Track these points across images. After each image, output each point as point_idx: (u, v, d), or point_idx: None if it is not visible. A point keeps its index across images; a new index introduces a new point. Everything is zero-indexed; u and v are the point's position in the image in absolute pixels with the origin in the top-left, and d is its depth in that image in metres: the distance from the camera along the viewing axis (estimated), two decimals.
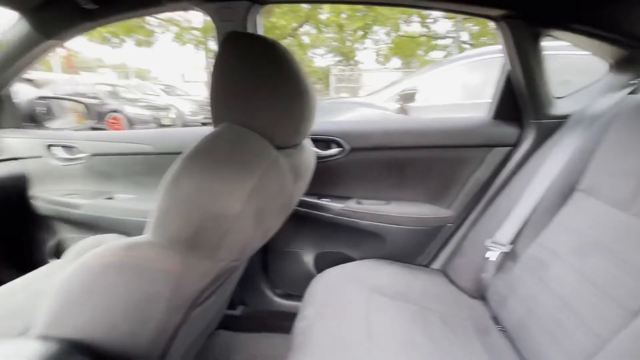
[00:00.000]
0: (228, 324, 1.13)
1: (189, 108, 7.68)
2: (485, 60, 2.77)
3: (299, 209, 1.06)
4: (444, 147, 1.00)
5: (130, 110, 6.75)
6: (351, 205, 1.06)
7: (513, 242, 0.82)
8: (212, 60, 0.53)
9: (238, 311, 1.18)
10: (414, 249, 1.07)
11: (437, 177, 1.03)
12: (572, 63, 1.26)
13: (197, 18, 10.34)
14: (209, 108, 0.55)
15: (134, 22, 9.49)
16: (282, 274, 1.18)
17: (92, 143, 1.16)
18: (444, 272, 1.01)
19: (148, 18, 9.38)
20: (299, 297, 0.93)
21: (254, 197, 0.48)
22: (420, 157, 1.02)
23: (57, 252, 1.25)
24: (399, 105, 2.95)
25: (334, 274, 0.94)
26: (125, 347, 0.42)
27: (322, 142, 1.05)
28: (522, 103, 0.91)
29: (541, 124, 0.90)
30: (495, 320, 0.80)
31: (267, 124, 0.53)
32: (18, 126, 1.20)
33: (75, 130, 1.35)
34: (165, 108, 7.32)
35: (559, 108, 0.90)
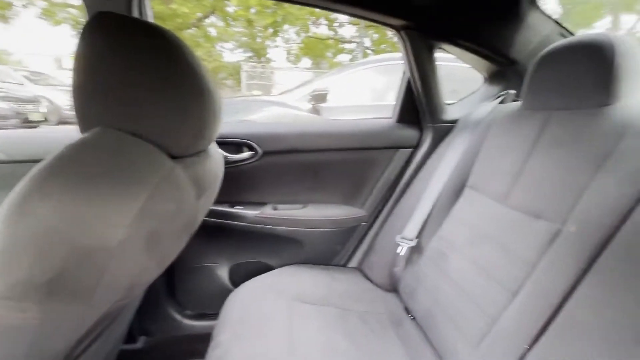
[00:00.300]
0: None
1: (66, 101, 6.35)
2: (390, 66, 3.03)
3: (209, 219, 0.96)
4: (356, 150, 1.02)
5: None
6: (267, 211, 1.01)
7: (418, 236, 0.89)
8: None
9: (139, 344, 1.00)
10: (332, 250, 1.08)
11: (350, 178, 1.06)
12: (455, 73, 1.45)
13: None
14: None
15: None
16: (193, 293, 1.05)
17: None
18: (360, 269, 1.05)
19: None
20: (214, 315, 0.84)
21: (142, 221, 0.38)
22: (333, 159, 1.03)
23: None
24: (312, 105, 2.99)
25: (251, 287, 0.87)
26: None
27: (232, 145, 0.96)
28: (420, 108, 1.00)
29: (436, 128, 1.00)
30: (407, 310, 0.86)
31: (157, 129, 0.43)
32: None
33: None
34: (33, 100, 5.90)
35: (449, 113, 1.01)
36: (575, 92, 0.62)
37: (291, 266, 1.00)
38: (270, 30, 11.30)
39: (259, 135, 0.98)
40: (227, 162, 0.94)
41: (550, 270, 0.53)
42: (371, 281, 0.98)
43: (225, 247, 1.05)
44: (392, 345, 0.76)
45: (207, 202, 0.59)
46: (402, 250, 0.90)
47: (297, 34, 12.00)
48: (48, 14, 8.71)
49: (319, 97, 2.96)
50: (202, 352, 0.71)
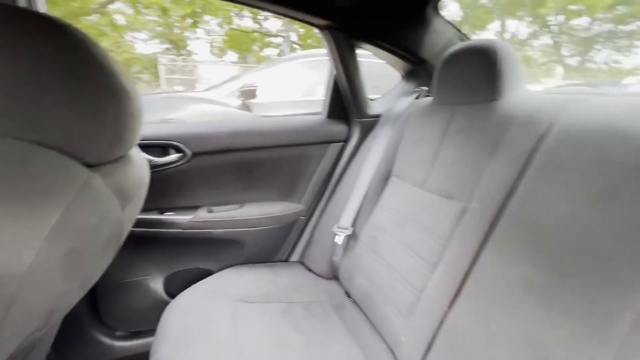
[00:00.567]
0: None
1: None
2: (318, 61, 3.09)
3: (136, 229, 0.88)
4: (289, 146, 1.04)
5: None
6: (201, 214, 0.96)
7: (353, 224, 0.95)
8: None
9: None
10: (273, 247, 1.09)
11: (286, 175, 1.07)
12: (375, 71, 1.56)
13: None
14: None
15: None
16: (123, 311, 0.96)
17: None
18: (302, 262, 1.08)
19: None
20: (150, 331, 0.79)
21: (57, 240, 0.34)
22: (267, 157, 1.03)
23: None
24: (241, 102, 2.91)
25: (190, 295, 0.83)
26: None
27: (157, 147, 0.89)
28: (347, 104, 1.06)
29: (363, 122, 1.07)
30: (348, 295, 0.92)
31: (67, 136, 0.39)
32: None
33: None
34: None
35: (373, 108, 1.09)
36: (471, 89, 0.73)
37: (232, 268, 0.98)
38: (189, 21, 10.53)
39: (187, 136, 0.93)
40: (153, 166, 0.87)
41: (460, 242, 0.62)
42: (313, 272, 1.02)
43: (158, 257, 0.98)
44: (336, 329, 0.80)
45: (134, 211, 0.54)
46: (340, 239, 0.95)
47: (220, 25, 11.41)
48: None
49: (248, 93, 2.88)
50: None
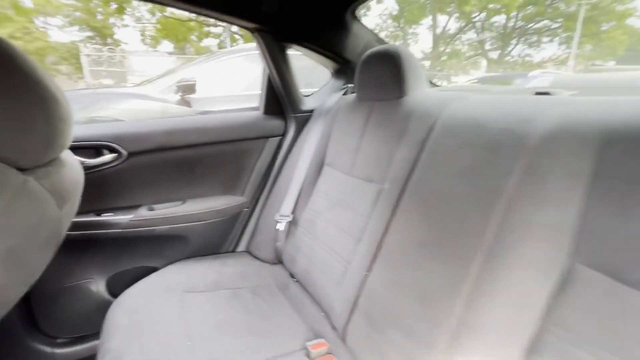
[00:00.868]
0: None
1: None
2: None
3: (72, 233, 0.86)
4: (228, 142, 1.09)
5: None
6: (142, 213, 0.97)
7: (293, 211, 1.04)
8: None
9: None
10: (219, 240, 1.14)
11: (227, 169, 1.12)
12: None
13: None
14: None
15: None
16: (63, 317, 0.94)
17: None
18: (248, 252, 1.14)
19: None
20: (95, 335, 0.79)
21: None
22: (208, 153, 1.06)
23: None
24: (179, 97, 2.80)
25: (135, 291, 0.85)
26: None
27: (89, 149, 0.88)
28: (282, 100, 1.14)
29: (297, 117, 1.16)
30: (292, 275, 1.01)
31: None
32: None
33: None
34: None
35: (307, 104, 1.18)
36: (384, 88, 0.85)
37: (177, 262, 1.01)
38: (114, 6, 9.58)
39: (122, 136, 0.92)
40: (87, 168, 0.86)
41: (377, 218, 0.74)
42: (259, 259, 1.09)
43: (98, 259, 0.97)
44: (282, 306, 0.89)
45: (71, 211, 0.57)
46: (282, 226, 1.04)
47: (151, 12, 10.56)
48: None
49: (187, 88, 2.77)
50: None
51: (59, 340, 0.94)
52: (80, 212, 0.66)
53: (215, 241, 1.13)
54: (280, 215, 1.05)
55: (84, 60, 8.35)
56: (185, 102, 2.84)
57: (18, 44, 0.47)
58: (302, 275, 0.95)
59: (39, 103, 0.45)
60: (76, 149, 0.85)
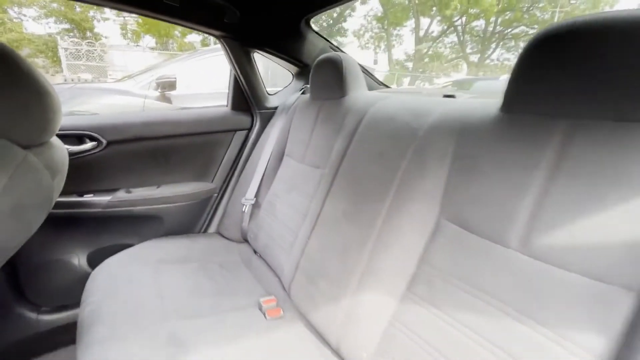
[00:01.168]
0: None
1: None
2: None
3: (57, 211, 0.99)
4: (200, 134, 1.22)
5: None
6: (120, 195, 1.10)
7: (256, 195, 1.19)
8: None
9: None
10: (191, 221, 1.27)
11: (199, 159, 1.26)
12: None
13: None
14: None
15: None
16: (47, 287, 1.06)
17: None
18: (218, 233, 1.29)
19: None
20: (76, 304, 0.91)
21: (6, 197, 0.51)
22: (181, 144, 1.20)
23: None
24: (159, 93, 2.89)
25: (112, 262, 0.98)
26: None
27: (72, 137, 1.00)
28: (248, 99, 1.28)
29: (263, 113, 1.30)
30: (255, 251, 1.16)
31: (5, 125, 0.54)
32: None
33: None
34: None
35: (271, 102, 1.33)
36: (329, 89, 1.01)
37: (152, 240, 1.14)
38: None
39: (101, 127, 1.05)
40: (71, 154, 0.98)
41: (317, 197, 0.90)
42: (227, 239, 1.24)
43: (80, 236, 1.09)
44: (245, 277, 1.04)
45: (60, 183, 0.70)
46: (246, 208, 1.19)
47: None
48: None
49: (167, 85, 2.87)
50: (68, 341, 0.79)
51: (43, 308, 1.05)
52: (64, 192, 0.79)
53: (188, 222, 1.26)
54: (245, 199, 1.20)
55: (61, 53, 8.19)
56: (166, 99, 2.93)
57: None
58: (262, 249, 1.10)
59: (35, 95, 0.59)
60: (61, 137, 0.97)
